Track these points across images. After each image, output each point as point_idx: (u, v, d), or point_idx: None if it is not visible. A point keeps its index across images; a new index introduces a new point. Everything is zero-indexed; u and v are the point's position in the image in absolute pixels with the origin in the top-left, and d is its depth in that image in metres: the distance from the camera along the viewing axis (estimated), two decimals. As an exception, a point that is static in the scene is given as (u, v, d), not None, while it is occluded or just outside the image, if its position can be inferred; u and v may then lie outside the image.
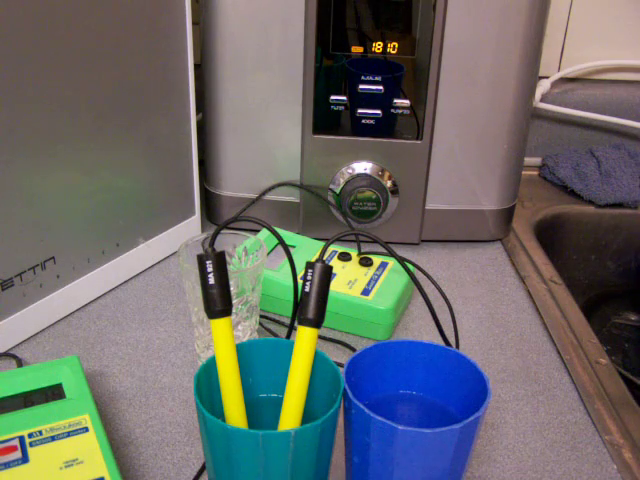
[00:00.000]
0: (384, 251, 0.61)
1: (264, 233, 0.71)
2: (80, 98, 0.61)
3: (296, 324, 0.46)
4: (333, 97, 0.74)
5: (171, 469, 0.51)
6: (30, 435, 0.47)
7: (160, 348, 0.64)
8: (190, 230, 0.78)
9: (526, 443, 0.55)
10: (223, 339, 0.45)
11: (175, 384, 0.59)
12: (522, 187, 0.86)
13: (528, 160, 1.01)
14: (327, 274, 0.45)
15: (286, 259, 0.56)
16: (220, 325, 0.45)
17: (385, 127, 0.75)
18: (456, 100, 0.74)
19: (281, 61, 0.73)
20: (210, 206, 0.83)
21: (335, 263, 0.70)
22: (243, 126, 0.76)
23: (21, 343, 0.63)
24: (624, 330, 1.00)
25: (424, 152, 0.76)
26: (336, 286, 0.66)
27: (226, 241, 0.59)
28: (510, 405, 0.59)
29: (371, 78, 0.73)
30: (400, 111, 0.74)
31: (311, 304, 0.44)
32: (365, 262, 0.70)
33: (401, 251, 0.79)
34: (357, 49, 0.72)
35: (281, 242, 0.54)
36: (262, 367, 0.48)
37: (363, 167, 0.76)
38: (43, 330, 0.65)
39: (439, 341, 0.63)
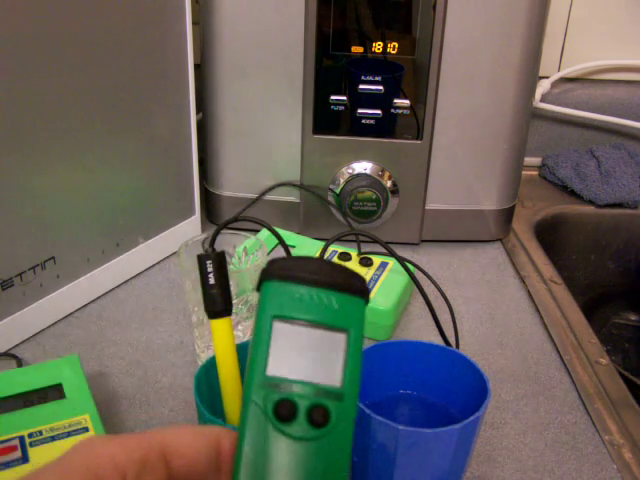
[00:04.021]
0: (384, 251, 0.61)
1: (264, 233, 0.71)
2: (80, 98, 0.61)
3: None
4: (333, 97, 0.74)
5: (171, 469, 0.51)
6: (30, 435, 0.47)
7: (160, 348, 0.64)
8: (190, 230, 0.78)
9: (526, 443, 0.55)
10: (223, 339, 0.45)
11: (175, 384, 0.59)
12: (522, 187, 0.86)
13: (528, 160, 1.01)
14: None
15: (286, 259, 0.56)
16: (220, 325, 0.45)
17: (385, 127, 0.75)
18: (456, 100, 0.74)
19: (281, 61, 0.73)
20: (210, 206, 0.83)
21: (335, 263, 0.70)
22: (243, 126, 0.76)
23: (21, 343, 0.63)
24: (624, 330, 1.00)
25: (424, 152, 0.76)
26: (336, 286, 0.66)
27: (226, 241, 0.59)
28: (510, 405, 0.59)
29: (371, 78, 0.73)
30: (400, 111, 0.74)
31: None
32: (365, 262, 0.70)
33: (401, 251, 0.79)
34: (357, 49, 0.72)
35: (281, 242, 0.54)
36: (262, 367, 0.48)
37: (363, 167, 0.76)
38: (43, 330, 0.65)
39: (439, 341, 0.63)
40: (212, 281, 0.44)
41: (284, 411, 0.26)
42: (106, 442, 0.24)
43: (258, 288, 0.28)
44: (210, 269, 0.44)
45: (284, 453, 0.26)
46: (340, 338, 0.27)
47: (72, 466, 0.23)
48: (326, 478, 0.26)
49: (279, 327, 0.27)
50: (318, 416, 0.26)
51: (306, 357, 0.27)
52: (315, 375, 0.27)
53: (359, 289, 0.28)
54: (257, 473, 0.26)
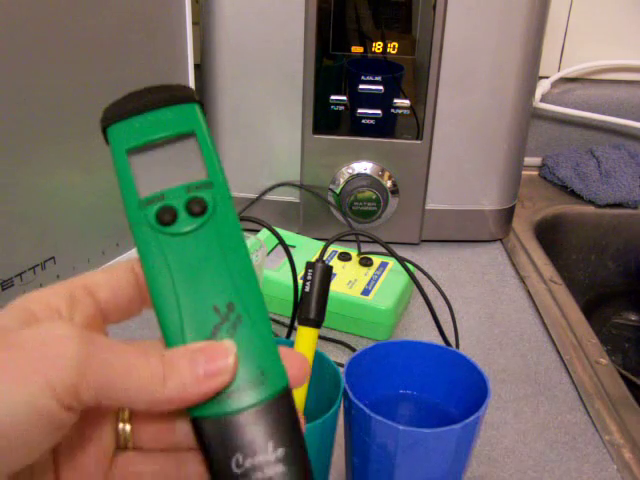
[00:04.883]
0: (384, 251, 0.61)
1: (264, 233, 0.71)
2: (80, 98, 0.61)
3: (296, 324, 0.46)
4: (333, 97, 0.74)
5: (171, 469, 0.51)
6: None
7: (160, 348, 0.63)
8: (190, 230, 0.78)
9: (526, 443, 0.55)
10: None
11: (175, 384, 0.59)
12: (522, 187, 0.86)
13: (528, 160, 1.01)
14: (327, 274, 0.45)
15: (286, 259, 0.56)
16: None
17: (385, 127, 0.75)
18: (456, 100, 0.74)
19: (281, 61, 0.73)
20: (210, 206, 0.83)
21: (335, 263, 0.70)
22: (243, 126, 0.76)
23: (21, 343, 0.63)
24: (624, 330, 1.00)
25: (424, 152, 0.76)
26: (336, 286, 0.66)
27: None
28: (510, 405, 0.59)
29: (371, 78, 0.73)
30: (400, 111, 0.74)
31: (311, 304, 0.44)
32: (365, 262, 0.70)
33: (401, 251, 0.79)
34: (357, 49, 0.72)
35: (281, 242, 0.54)
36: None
37: (363, 167, 0.76)
38: (43, 330, 0.65)
39: (439, 341, 0.63)
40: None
41: (166, 216, 0.29)
42: (37, 290, 0.28)
43: (105, 141, 0.31)
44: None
45: (181, 251, 0.28)
46: (189, 141, 0.29)
47: (9, 312, 0.26)
48: (228, 256, 0.28)
49: (133, 157, 0.29)
50: (196, 206, 0.28)
51: (168, 169, 0.29)
52: (181, 178, 0.29)
53: (186, 96, 0.30)
54: (166, 280, 0.28)
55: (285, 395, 0.27)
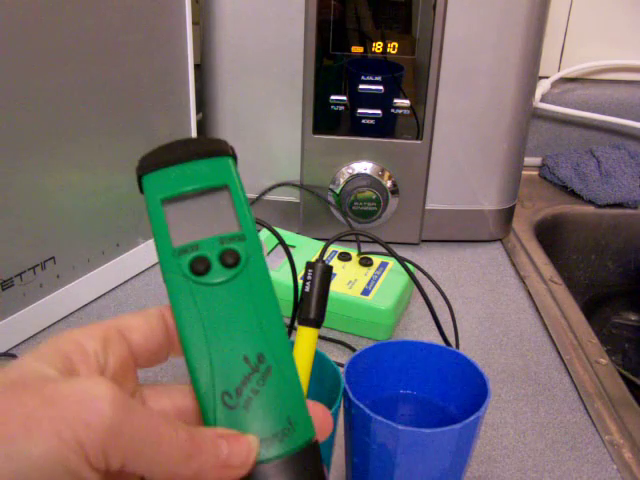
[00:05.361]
0: (384, 251, 0.61)
1: (264, 233, 0.71)
2: (80, 98, 0.61)
3: (296, 324, 0.46)
4: (333, 97, 0.74)
5: (171, 469, 0.51)
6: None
7: (160, 348, 0.64)
8: (190, 230, 0.78)
9: (526, 443, 0.55)
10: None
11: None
12: (522, 187, 0.86)
13: (528, 160, 1.01)
14: (327, 274, 0.45)
15: (286, 259, 0.56)
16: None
17: (385, 127, 0.75)
18: (456, 100, 0.74)
19: (281, 61, 0.73)
20: (210, 206, 0.83)
21: (335, 263, 0.70)
22: (243, 126, 0.76)
23: (21, 343, 0.63)
24: (624, 330, 1.00)
25: (424, 152, 0.76)
26: (336, 286, 0.66)
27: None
28: (510, 405, 0.59)
29: (371, 78, 0.73)
30: (400, 111, 0.74)
31: (311, 304, 0.44)
32: (365, 262, 0.70)
33: (401, 251, 0.79)
34: (357, 49, 0.72)
35: (281, 242, 0.54)
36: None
37: (363, 167, 0.76)
38: (43, 330, 0.65)
39: (439, 341, 0.63)
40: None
41: (199, 266, 0.29)
42: (70, 330, 0.28)
43: (140, 189, 0.31)
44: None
45: (213, 301, 0.29)
46: (223, 193, 0.30)
47: (44, 354, 0.27)
48: (259, 308, 0.29)
49: (168, 207, 0.30)
50: (229, 257, 0.29)
51: (201, 220, 0.30)
52: (215, 230, 0.30)
53: (221, 150, 0.31)
54: (198, 329, 0.29)
55: (312, 446, 0.28)
